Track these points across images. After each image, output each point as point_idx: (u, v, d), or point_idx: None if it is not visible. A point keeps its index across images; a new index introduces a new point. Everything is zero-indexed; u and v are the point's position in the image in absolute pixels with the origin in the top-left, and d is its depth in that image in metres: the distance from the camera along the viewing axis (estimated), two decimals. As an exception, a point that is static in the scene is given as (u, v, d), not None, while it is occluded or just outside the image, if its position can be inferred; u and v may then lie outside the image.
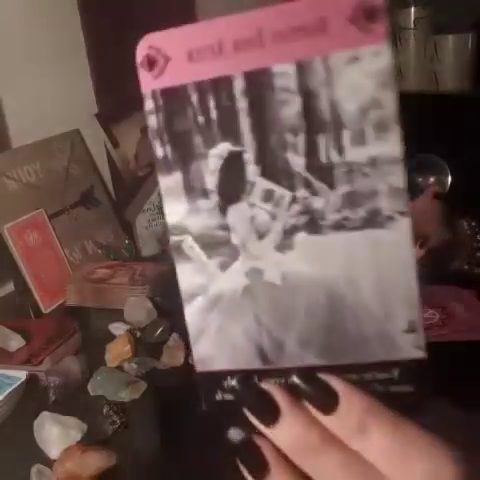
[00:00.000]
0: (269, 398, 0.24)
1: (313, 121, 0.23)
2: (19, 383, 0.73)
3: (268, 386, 0.24)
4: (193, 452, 0.65)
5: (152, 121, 0.25)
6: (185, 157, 0.25)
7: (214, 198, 0.25)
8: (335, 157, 0.23)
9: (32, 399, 0.75)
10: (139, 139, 1.28)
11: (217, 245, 0.25)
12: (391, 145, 0.23)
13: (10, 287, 1.11)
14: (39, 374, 0.78)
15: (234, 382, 0.25)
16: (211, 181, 0.25)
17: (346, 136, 0.23)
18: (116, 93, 1.26)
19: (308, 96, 0.23)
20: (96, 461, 0.61)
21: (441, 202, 0.84)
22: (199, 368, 0.26)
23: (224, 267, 0.25)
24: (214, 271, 0.25)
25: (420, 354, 0.24)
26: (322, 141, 0.23)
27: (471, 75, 1.57)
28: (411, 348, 0.24)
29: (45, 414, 0.69)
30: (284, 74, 0.23)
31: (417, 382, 0.24)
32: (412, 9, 1.60)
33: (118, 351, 0.84)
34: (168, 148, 0.25)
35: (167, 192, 0.25)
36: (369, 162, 0.23)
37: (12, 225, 1.03)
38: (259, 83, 0.23)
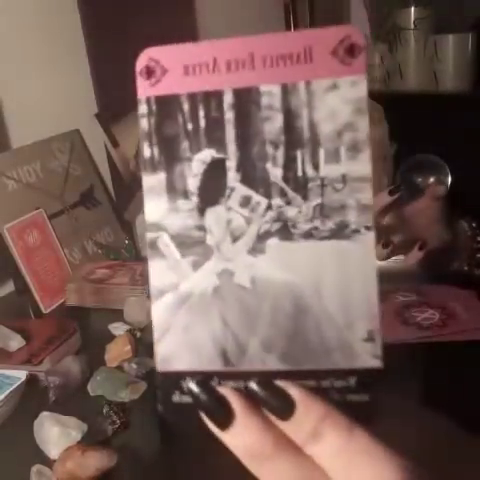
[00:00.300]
0: (225, 402, 0.25)
1: (293, 137, 0.26)
2: (19, 383, 0.73)
3: (225, 390, 0.25)
4: (192, 452, 0.65)
5: (144, 124, 0.27)
6: (170, 159, 0.26)
7: (194, 199, 0.26)
8: (310, 171, 0.25)
9: (32, 399, 0.75)
10: (139, 139, 1.28)
11: (192, 244, 0.26)
12: (362, 165, 0.25)
13: (10, 287, 1.11)
14: (39, 374, 0.78)
15: (192, 384, 0.25)
16: (193, 183, 0.26)
17: (321, 153, 0.25)
18: (116, 93, 1.26)
19: (290, 115, 0.25)
20: (96, 461, 0.61)
21: (441, 203, 0.84)
22: (160, 367, 0.26)
23: (196, 266, 0.26)
24: (186, 269, 0.26)
25: (377, 363, 0.25)
26: (299, 156, 0.26)
27: (471, 75, 1.57)
28: (369, 357, 0.25)
29: (45, 414, 0.69)
30: (270, 93, 0.26)
31: (373, 391, 0.25)
32: (412, 9, 1.60)
33: (118, 351, 0.84)
34: (155, 149, 0.27)
35: (149, 191, 0.27)
36: (341, 179, 0.25)
37: (12, 225, 1.03)
38: (246, 99, 0.26)
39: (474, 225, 0.88)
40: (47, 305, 1.05)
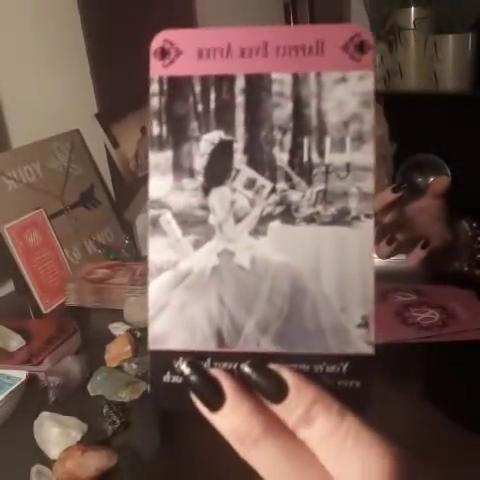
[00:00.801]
0: (216, 384, 0.25)
1: (300, 124, 0.26)
2: (19, 383, 0.73)
3: (216, 372, 0.25)
4: (192, 452, 0.65)
5: (154, 102, 0.27)
6: (179, 138, 0.27)
7: (199, 179, 0.27)
8: (316, 158, 0.26)
9: (32, 399, 0.75)
10: (139, 139, 1.28)
11: (194, 223, 0.27)
12: (365, 155, 0.26)
13: (10, 287, 1.11)
14: (39, 374, 0.78)
15: (183, 365, 0.26)
16: (199, 163, 0.27)
17: (327, 142, 0.26)
18: (116, 93, 1.26)
19: (299, 103, 0.26)
20: (96, 461, 0.61)
21: (443, 201, 0.84)
22: (152, 346, 0.26)
23: (197, 245, 0.27)
24: (187, 248, 0.27)
25: (369, 350, 0.25)
26: (306, 143, 0.26)
27: (471, 75, 1.57)
28: (362, 343, 0.25)
29: (45, 414, 0.69)
30: (281, 81, 0.26)
31: (364, 377, 0.25)
32: (412, 9, 1.60)
33: (118, 351, 0.84)
34: (164, 128, 0.27)
35: (155, 168, 0.27)
36: (345, 167, 0.26)
37: (12, 225, 1.03)
38: (258, 85, 0.26)
39: (475, 225, 0.87)
40: (47, 305, 1.05)
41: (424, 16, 1.58)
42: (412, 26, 1.60)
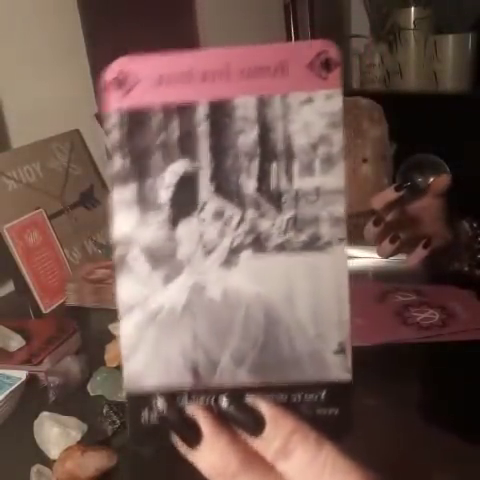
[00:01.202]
0: (193, 421, 0.25)
1: (267, 150, 0.25)
2: (19, 383, 0.73)
3: (193, 409, 0.25)
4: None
5: (115, 135, 0.25)
6: (143, 171, 0.25)
7: (166, 211, 0.26)
8: (284, 184, 0.25)
9: (32, 399, 0.75)
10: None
11: (163, 258, 0.26)
12: (335, 178, 0.25)
13: (10, 287, 1.11)
14: (39, 374, 0.78)
15: (160, 404, 0.25)
16: (165, 195, 0.26)
17: (296, 166, 0.25)
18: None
19: (265, 127, 0.25)
20: (96, 461, 0.61)
21: (444, 201, 0.84)
22: (128, 386, 0.26)
23: (167, 281, 0.26)
24: (157, 284, 0.26)
25: (347, 377, 0.25)
26: (274, 168, 0.25)
27: (471, 75, 1.57)
28: (339, 370, 0.25)
29: (45, 414, 0.69)
30: (245, 105, 0.25)
31: (343, 404, 0.25)
32: (412, 9, 1.60)
33: (118, 351, 0.84)
34: (127, 161, 0.26)
35: (119, 203, 0.26)
36: (314, 191, 0.25)
37: (12, 225, 1.03)
38: (222, 111, 0.25)
39: (475, 225, 0.87)
40: (47, 305, 1.05)
41: (424, 16, 1.58)
42: (412, 26, 1.60)
